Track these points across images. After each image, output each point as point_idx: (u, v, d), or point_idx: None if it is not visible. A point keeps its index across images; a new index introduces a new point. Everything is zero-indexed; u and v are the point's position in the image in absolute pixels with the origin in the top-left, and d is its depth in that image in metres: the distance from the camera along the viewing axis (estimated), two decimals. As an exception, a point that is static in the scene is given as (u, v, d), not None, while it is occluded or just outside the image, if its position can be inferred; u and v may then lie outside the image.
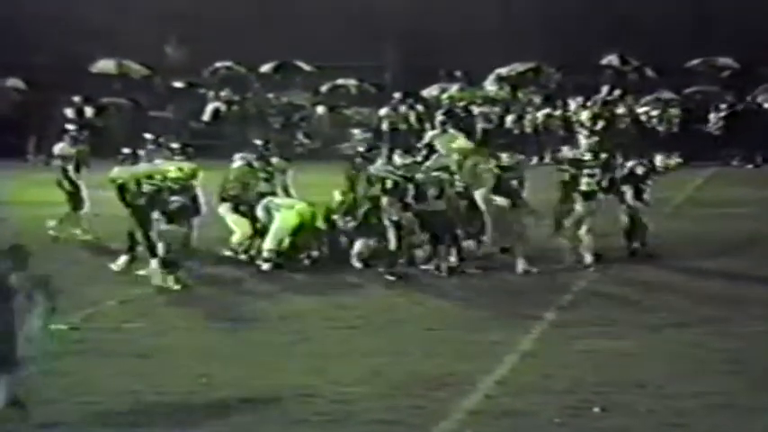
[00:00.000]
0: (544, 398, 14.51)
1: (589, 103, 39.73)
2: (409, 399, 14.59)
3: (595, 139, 25.68)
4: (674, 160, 24.99)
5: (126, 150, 25.11)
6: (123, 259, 22.95)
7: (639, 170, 24.11)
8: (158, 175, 23.25)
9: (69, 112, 40.38)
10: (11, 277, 14.29)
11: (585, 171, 24.17)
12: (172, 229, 20.96)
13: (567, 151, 27.04)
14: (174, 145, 25.63)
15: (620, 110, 39.53)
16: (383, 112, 40.10)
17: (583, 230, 23.56)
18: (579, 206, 23.58)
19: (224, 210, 24.22)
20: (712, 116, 31.05)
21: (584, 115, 38.98)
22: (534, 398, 14.54)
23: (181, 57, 44.02)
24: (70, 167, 26.44)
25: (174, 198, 21.33)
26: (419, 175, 23.65)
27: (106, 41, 42.01)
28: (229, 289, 22.24)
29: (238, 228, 24.05)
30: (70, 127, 28.38)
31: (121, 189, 23.15)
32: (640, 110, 39.62)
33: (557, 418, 13.33)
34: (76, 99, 41.31)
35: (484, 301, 20.63)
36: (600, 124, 38.39)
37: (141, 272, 21.61)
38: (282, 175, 24.90)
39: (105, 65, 42.88)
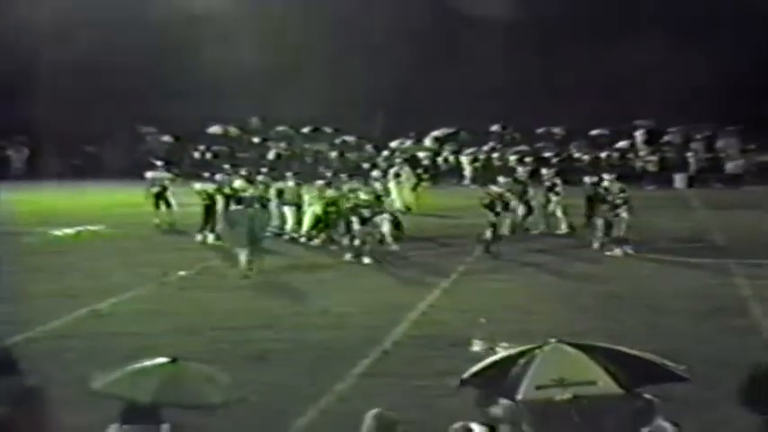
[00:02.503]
0: (456, 314, 15.42)
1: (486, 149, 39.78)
2: (379, 314, 15.53)
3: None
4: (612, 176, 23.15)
5: (206, 174, 25.33)
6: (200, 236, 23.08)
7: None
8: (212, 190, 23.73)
9: (196, 155, 40.69)
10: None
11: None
12: (363, 228, 20.75)
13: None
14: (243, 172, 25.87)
15: (495, 155, 39.51)
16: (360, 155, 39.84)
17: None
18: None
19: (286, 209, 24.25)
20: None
21: (465, 160, 39.31)
22: (450, 314, 15.46)
23: (258, 125, 43.73)
24: (167, 183, 25.89)
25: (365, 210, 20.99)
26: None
27: (216, 115, 41.85)
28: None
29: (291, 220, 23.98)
30: (158, 162, 27.87)
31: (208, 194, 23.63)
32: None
33: (482, 319, 13.91)
34: (201, 147, 41.45)
35: (422, 261, 20.85)
36: (477, 164, 38.81)
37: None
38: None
39: (215, 129, 42.45)
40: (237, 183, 24.29)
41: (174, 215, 25.73)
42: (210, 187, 23.97)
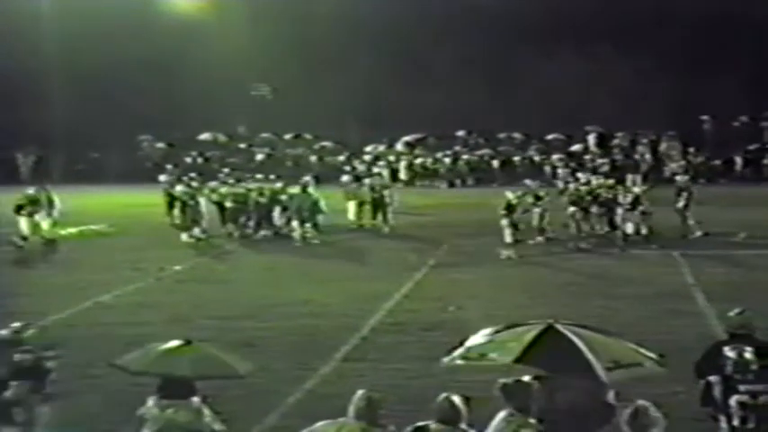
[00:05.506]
0: (425, 303, 15.37)
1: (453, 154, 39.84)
2: (360, 303, 15.45)
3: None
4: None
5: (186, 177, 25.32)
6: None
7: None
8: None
9: (188, 159, 40.16)
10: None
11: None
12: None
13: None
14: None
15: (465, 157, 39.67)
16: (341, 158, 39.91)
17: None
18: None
19: None
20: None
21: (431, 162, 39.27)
22: (421, 303, 15.38)
23: (245, 132, 43.54)
24: (167, 186, 25.99)
25: None
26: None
27: (207, 123, 41.80)
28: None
29: None
30: (168, 166, 28.25)
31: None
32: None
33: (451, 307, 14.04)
34: (193, 153, 41.10)
35: (397, 259, 20.33)
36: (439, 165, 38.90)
37: None
38: None
39: (206, 136, 42.35)
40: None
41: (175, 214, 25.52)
42: (190, 191, 23.84)
